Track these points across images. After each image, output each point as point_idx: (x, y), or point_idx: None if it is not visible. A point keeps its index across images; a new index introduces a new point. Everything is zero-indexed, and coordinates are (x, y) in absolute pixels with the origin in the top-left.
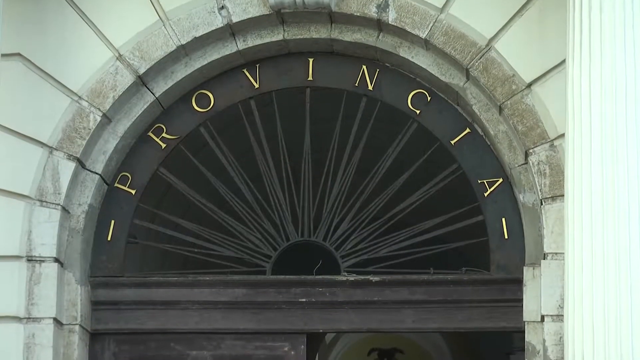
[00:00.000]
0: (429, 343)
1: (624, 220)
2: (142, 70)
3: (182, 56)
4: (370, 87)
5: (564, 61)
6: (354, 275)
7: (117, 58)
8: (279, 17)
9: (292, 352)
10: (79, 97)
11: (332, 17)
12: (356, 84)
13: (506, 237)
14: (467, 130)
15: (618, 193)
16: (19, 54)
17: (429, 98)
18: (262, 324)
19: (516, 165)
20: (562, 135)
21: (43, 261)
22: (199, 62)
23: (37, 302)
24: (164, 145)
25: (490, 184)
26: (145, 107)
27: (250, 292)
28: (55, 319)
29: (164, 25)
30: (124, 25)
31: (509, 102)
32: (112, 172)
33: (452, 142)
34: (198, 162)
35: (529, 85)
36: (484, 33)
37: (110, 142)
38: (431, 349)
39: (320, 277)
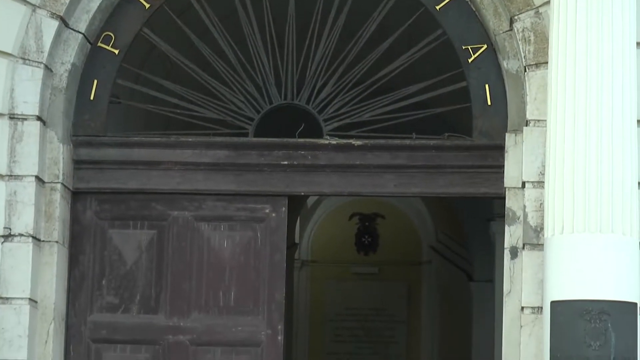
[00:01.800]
0: (411, 209)
1: (607, 87)
2: None
3: None
4: None
5: None
6: (337, 138)
7: None
8: None
9: (273, 214)
10: None
11: None
12: None
13: (489, 103)
14: None
15: (602, 59)
16: None
17: None
18: (244, 185)
19: (501, 32)
20: (548, 2)
21: (25, 119)
22: None
23: (19, 160)
24: (147, 6)
25: (475, 50)
26: None
27: (233, 154)
28: (37, 177)
29: None
30: None
31: None
32: (95, 32)
33: (437, 7)
34: (182, 23)
35: None
36: None
37: (93, 1)
38: (412, 214)
39: (302, 140)
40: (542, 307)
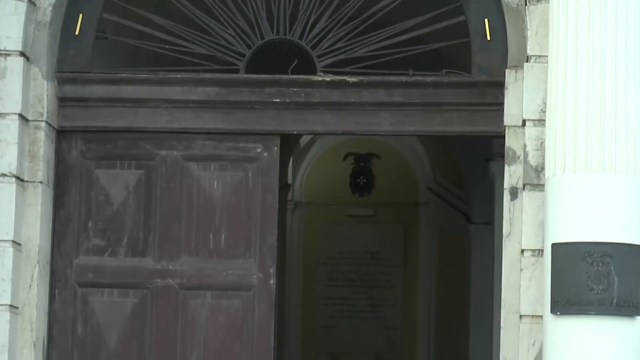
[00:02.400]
0: (407, 148)
1: (611, 21)
2: None
3: None
4: None
5: None
6: (330, 75)
7: None
8: None
9: (265, 154)
10: None
11: None
12: None
13: (488, 38)
14: None
15: None
16: None
17: None
18: (235, 124)
19: None
20: None
21: (8, 55)
22: None
23: (2, 97)
24: None
25: None
26: None
27: (223, 91)
28: (20, 115)
29: None
30: None
31: None
32: None
33: None
34: None
35: None
36: None
37: None
38: (409, 154)
39: (295, 76)
40: (542, 250)
